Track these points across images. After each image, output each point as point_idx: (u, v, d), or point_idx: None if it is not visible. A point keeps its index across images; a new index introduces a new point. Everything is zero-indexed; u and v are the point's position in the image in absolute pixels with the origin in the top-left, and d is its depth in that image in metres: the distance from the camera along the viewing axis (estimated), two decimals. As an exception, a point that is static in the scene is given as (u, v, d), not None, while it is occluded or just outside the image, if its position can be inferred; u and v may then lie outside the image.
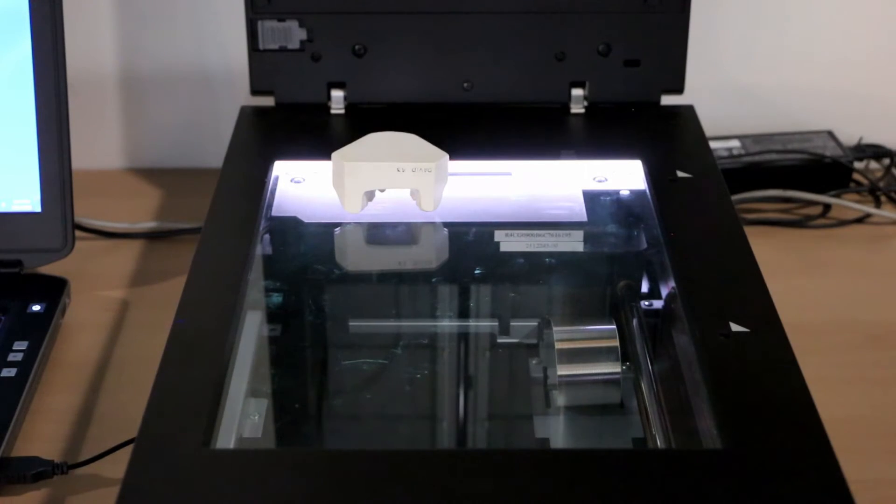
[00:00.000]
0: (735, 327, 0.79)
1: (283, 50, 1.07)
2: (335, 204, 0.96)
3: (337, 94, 1.08)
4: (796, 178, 1.16)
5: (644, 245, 0.97)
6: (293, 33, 1.07)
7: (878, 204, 1.16)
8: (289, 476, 0.69)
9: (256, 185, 0.96)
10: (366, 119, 1.06)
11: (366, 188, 0.95)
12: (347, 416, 0.94)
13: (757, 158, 1.16)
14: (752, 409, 0.73)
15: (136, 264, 1.08)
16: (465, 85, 1.08)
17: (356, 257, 1.01)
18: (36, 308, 0.97)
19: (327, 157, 0.96)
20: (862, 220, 1.14)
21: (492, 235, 0.99)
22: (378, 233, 1.00)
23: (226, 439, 0.78)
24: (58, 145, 0.99)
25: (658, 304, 0.91)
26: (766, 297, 0.82)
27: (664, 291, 0.89)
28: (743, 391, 0.75)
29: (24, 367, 0.91)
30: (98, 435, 0.88)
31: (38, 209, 1.00)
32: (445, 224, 1.00)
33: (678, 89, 1.07)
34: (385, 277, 1.02)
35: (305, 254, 0.99)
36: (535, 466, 0.70)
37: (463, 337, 0.98)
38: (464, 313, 0.99)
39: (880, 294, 1.05)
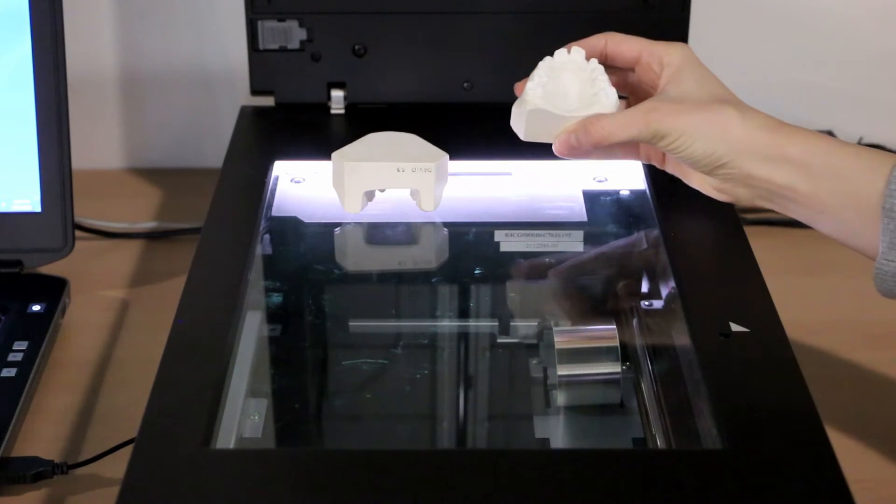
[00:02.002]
0: (735, 327, 0.79)
1: (283, 50, 1.07)
2: (335, 204, 0.96)
3: (337, 94, 1.08)
4: (796, 178, 1.15)
5: (644, 245, 0.97)
6: (293, 33, 1.06)
7: (878, 204, 1.15)
8: (289, 476, 0.69)
9: (256, 185, 0.96)
10: (366, 119, 1.05)
11: (366, 188, 0.95)
12: (347, 416, 0.94)
13: (757, 158, 1.16)
14: (752, 409, 0.73)
15: (136, 264, 1.07)
16: (465, 85, 1.08)
17: (356, 257, 1.01)
18: (36, 308, 0.97)
19: (327, 157, 0.96)
20: (862, 220, 1.14)
21: (492, 235, 0.99)
22: (378, 233, 1.00)
23: (226, 439, 0.77)
24: (58, 145, 0.99)
25: (658, 304, 0.90)
26: (766, 297, 0.82)
27: (664, 291, 0.89)
28: (743, 391, 0.75)
29: (24, 367, 0.91)
30: (98, 435, 0.88)
31: (38, 209, 1.00)
32: (445, 224, 0.99)
33: (678, 89, 1.07)
34: (385, 277, 1.02)
35: (305, 254, 0.99)
36: (535, 466, 0.70)
37: (463, 337, 0.98)
38: (464, 313, 0.99)
39: (880, 294, 1.04)
